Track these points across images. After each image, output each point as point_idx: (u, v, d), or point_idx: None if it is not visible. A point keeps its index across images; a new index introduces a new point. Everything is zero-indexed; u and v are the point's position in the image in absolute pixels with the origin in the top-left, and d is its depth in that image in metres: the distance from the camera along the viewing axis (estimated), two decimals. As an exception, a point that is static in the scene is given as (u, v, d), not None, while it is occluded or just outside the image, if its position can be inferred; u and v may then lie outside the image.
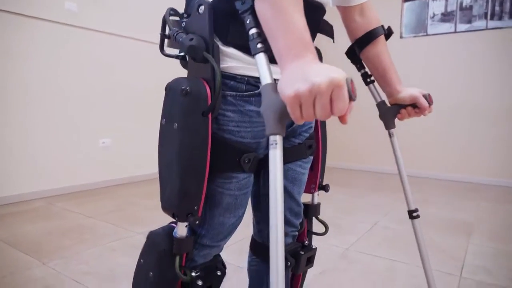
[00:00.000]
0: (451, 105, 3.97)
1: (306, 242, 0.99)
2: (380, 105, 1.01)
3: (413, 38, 4.19)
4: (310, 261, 0.98)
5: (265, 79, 0.56)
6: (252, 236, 0.97)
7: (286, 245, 0.84)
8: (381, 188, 3.54)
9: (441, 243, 2.09)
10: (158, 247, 0.76)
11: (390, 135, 1.03)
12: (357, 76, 0.86)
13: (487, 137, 3.81)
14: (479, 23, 3.84)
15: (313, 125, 0.91)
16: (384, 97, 1.01)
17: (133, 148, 3.55)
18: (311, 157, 0.92)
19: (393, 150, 1.05)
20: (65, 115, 2.98)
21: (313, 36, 0.89)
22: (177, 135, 0.69)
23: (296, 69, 0.52)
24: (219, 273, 0.81)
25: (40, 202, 2.75)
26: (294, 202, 0.90)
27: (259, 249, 0.94)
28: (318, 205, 1.01)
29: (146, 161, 3.67)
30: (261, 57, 0.58)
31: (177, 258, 0.73)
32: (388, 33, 0.95)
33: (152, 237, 0.79)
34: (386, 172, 4.35)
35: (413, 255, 1.93)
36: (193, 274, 0.75)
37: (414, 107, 0.93)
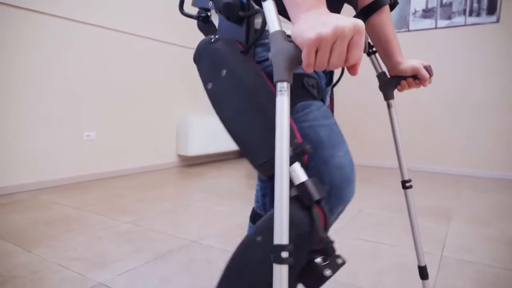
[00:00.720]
0: (433, 99, 4.08)
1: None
2: (380, 76, 1.03)
3: (396, 33, 4.27)
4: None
5: (274, 27, 0.56)
6: (254, 208, 0.91)
7: None
8: (367, 179, 3.61)
9: (422, 226, 2.16)
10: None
11: (389, 105, 1.05)
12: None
13: (470, 130, 3.93)
14: (459, 19, 3.96)
15: (329, 94, 0.90)
16: (384, 68, 1.03)
17: (118, 142, 3.52)
18: None
19: (391, 120, 1.06)
20: (49, 108, 2.94)
21: (340, 5, 0.87)
22: (230, 79, 0.64)
23: (313, 17, 0.52)
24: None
25: (25, 195, 2.70)
26: None
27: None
28: None
29: (131, 154, 3.65)
30: (269, 4, 0.58)
31: (314, 209, 0.57)
32: (394, 4, 0.96)
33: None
34: (372, 165, 4.44)
35: (398, 238, 1.99)
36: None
37: (415, 78, 0.95)
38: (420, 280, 1.13)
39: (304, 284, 0.65)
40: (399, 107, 4.19)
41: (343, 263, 0.63)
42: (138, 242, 1.84)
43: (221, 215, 2.26)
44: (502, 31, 3.73)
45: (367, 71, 1.97)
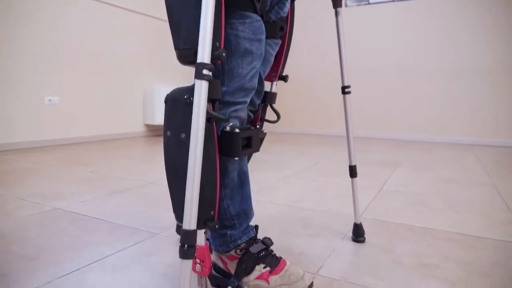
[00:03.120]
0: (394, 68, 4.28)
1: (258, 127, 1.05)
2: None
3: (357, 7, 4.44)
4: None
5: None
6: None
7: (242, 124, 0.85)
8: (326, 143, 3.78)
9: (372, 172, 2.33)
10: (181, 99, 0.72)
11: (336, 13, 1.12)
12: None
13: (424, 97, 4.16)
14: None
15: (288, 7, 0.94)
16: None
17: (83, 109, 3.51)
18: (280, 41, 0.95)
19: (337, 29, 1.14)
20: (10, 69, 2.90)
21: None
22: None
23: None
24: (257, 126, 0.81)
25: (-17, 154, 2.68)
26: (259, 80, 0.92)
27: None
28: (275, 94, 1.02)
29: (97, 122, 3.65)
30: None
31: (207, 103, 0.69)
32: None
33: (172, 95, 0.75)
34: (332, 134, 4.62)
35: (344, 180, 2.14)
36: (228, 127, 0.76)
37: None
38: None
39: (222, 152, 0.76)
40: (377, 76, 4.37)
41: (250, 128, 0.82)
42: (97, 183, 1.90)
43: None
44: None
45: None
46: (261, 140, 1.00)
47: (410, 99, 4.23)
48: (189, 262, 0.56)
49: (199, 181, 0.61)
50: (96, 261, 1.01)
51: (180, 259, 0.57)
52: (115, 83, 3.81)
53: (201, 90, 0.62)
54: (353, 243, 1.18)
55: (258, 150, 0.85)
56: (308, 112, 4.84)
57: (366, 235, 1.22)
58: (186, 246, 0.57)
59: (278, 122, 4.81)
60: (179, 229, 0.85)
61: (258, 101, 0.95)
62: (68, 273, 0.94)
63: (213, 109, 0.72)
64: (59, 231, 1.23)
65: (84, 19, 3.44)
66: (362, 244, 1.17)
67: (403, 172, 2.34)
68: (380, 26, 4.33)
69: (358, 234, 1.19)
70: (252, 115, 0.97)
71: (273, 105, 1.02)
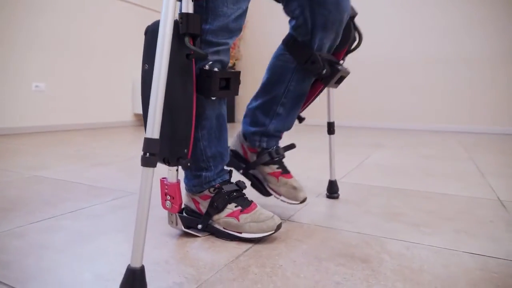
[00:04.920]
0: (383, 58, 4.33)
1: (342, 62, 1.04)
2: None
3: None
4: (340, 81, 1.03)
5: None
6: (290, 34, 0.97)
7: (224, 68, 0.83)
8: (313, 130, 3.82)
9: (355, 151, 2.37)
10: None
11: None
12: None
13: (408, 86, 4.22)
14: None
15: None
16: None
17: (72, 96, 3.50)
18: None
19: None
20: (-7, 53, 2.89)
21: None
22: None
23: None
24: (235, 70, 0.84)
25: (-32, 137, 2.67)
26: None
27: (295, 47, 0.95)
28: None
29: (85, 110, 3.64)
30: None
31: (186, 37, 0.71)
32: None
33: (152, 27, 0.74)
34: (318, 124, 4.66)
35: (328, 156, 2.17)
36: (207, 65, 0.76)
37: None
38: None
39: (200, 92, 0.78)
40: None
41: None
42: (81, 158, 1.91)
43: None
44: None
45: None
46: (342, 78, 1.03)
47: (396, 88, 4.28)
48: (150, 170, 0.58)
49: (164, 90, 0.62)
50: (70, 212, 1.03)
51: (141, 167, 0.59)
52: (104, 71, 3.81)
53: (169, 4, 0.62)
54: (327, 199, 1.21)
55: (236, 94, 0.85)
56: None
57: (341, 195, 1.25)
58: (148, 154, 0.59)
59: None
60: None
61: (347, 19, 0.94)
62: (41, 220, 0.95)
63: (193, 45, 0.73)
64: (38, 191, 1.24)
65: (73, 6, 3.44)
66: (336, 200, 1.20)
67: (386, 151, 2.38)
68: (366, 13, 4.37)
69: (332, 190, 1.22)
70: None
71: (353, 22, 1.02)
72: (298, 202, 1.00)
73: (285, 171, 1.03)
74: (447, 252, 0.79)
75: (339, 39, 0.98)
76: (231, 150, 1.09)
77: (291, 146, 1.07)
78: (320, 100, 1.17)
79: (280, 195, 1.01)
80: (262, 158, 1.02)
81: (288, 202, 1.01)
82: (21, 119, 3.12)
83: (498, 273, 0.69)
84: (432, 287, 0.63)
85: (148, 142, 0.59)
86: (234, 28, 0.81)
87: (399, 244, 0.82)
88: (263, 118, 1.02)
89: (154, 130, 0.60)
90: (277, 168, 1.02)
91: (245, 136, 1.06)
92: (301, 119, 1.13)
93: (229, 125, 4.42)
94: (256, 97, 1.05)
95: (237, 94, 0.85)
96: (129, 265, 0.56)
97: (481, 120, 3.92)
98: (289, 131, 1.11)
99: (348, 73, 1.02)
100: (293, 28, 0.95)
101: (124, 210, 1.05)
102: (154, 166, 0.59)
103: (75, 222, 0.94)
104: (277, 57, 1.01)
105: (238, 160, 1.08)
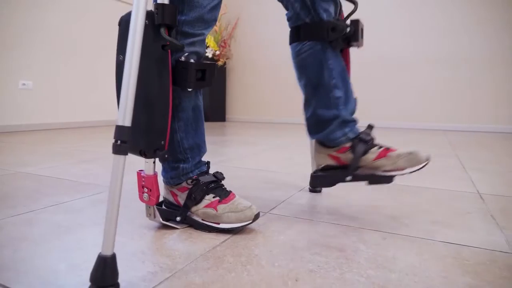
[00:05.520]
0: (376, 57, 4.36)
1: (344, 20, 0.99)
2: None
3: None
4: (362, 35, 0.98)
5: None
6: (293, 27, 0.97)
7: (200, 60, 0.84)
8: (301, 129, 3.83)
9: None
10: None
11: None
12: None
13: (400, 85, 4.25)
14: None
15: None
16: None
17: (60, 94, 3.48)
18: None
19: None
20: (-20, 50, 2.86)
21: None
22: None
23: None
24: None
25: (-47, 135, 2.64)
26: None
27: (309, 30, 0.93)
28: None
29: (74, 108, 3.62)
30: None
31: (162, 28, 0.71)
32: None
33: (125, 17, 0.73)
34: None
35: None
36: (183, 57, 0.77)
37: None
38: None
39: (176, 83, 0.78)
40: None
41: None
42: (67, 155, 1.90)
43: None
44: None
45: None
46: (362, 31, 0.96)
47: (387, 87, 4.31)
48: (122, 158, 0.58)
49: (136, 77, 0.62)
50: (51, 206, 1.03)
51: (112, 155, 0.59)
52: (93, 69, 3.79)
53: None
54: (310, 193, 1.22)
55: (211, 85, 0.85)
56: (278, 100, 4.89)
57: (323, 189, 1.25)
58: (119, 141, 0.59)
59: (251, 113, 4.86)
60: None
61: None
62: (20, 214, 0.95)
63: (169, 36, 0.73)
64: (21, 187, 1.23)
65: (61, 3, 3.41)
66: (318, 194, 1.21)
67: (373, 148, 2.40)
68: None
69: (314, 184, 1.23)
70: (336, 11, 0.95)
71: None
72: (425, 163, 0.87)
73: (388, 148, 0.92)
74: (422, 241, 0.80)
75: (339, 5, 0.96)
76: (321, 170, 0.98)
77: (371, 126, 0.97)
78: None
79: (403, 169, 0.88)
80: (359, 148, 0.91)
81: (414, 170, 0.88)
82: (8, 117, 3.08)
83: (469, 260, 0.70)
84: (403, 274, 0.65)
85: (119, 129, 0.59)
86: (210, 19, 0.82)
87: (376, 235, 0.84)
88: (330, 111, 0.95)
89: (125, 117, 0.60)
90: (379, 148, 0.92)
91: (325, 142, 0.97)
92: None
93: (220, 124, 4.42)
94: (307, 103, 0.99)
95: (211, 85, 0.85)
96: (100, 253, 0.57)
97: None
98: (275, 131, 1.10)
99: (363, 24, 0.97)
100: (295, 14, 0.94)
101: (104, 204, 1.05)
102: (126, 154, 0.59)
103: (54, 216, 0.94)
104: (299, 53, 0.97)
105: (337, 170, 0.96)
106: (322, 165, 0.97)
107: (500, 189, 1.29)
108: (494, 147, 2.54)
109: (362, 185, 1.26)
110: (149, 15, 0.70)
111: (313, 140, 1.02)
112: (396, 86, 4.26)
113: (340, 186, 1.28)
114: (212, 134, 3.16)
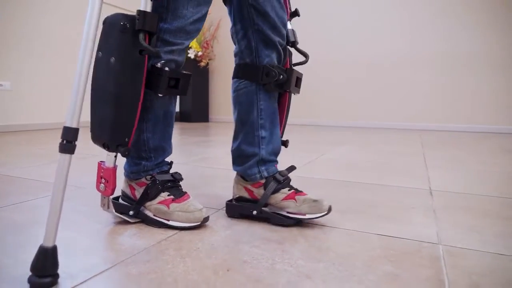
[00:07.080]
0: (361, 58, 4.44)
1: (289, 68, 1.03)
2: None
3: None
4: (298, 84, 1.02)
5: None
6: (237, 64, 1.00)
7: (178, 68, 0.88)
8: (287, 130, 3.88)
9: (323, 149, 2.44)
10: (117, 24, 0.76)
11: None
12: None
13: (381, 85, 4.34)
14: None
15: None
16: None
17: (40, 96, 3.47)
18: None
19: None
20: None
21: None
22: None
23: None
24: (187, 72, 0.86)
25: None
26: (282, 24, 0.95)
27: (247, 70, 0.97)
28: (293, 31, 1.02)
29: (55, 110, 3.61)
30: None
31: (141, 34, 0.75)
32: None
33: (110, 18, 0.78)
34: (294, 123, 4.74)
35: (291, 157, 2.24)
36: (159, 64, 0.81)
37: None
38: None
39: (149, 87, 0.83)
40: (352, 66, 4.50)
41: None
42: (43, 156, 1.92)
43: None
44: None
45: None
46: (299, 80, 1.02)
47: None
48: (67, 156, 0.63)
49: (86, 81, 0.66)
50: (13, 204, 1.05)
51: (59, 153, 0.63)
52: (72, 70, 3.78)
53: None
54: (270, 191, 1.26)
55: (185, 94, 0.89)
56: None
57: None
58: (65, 141, 0.63)
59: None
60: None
61: (283, 43, 0.97)
62: (-19, 212, 0.98)
63: (149, 43, 0.78)
64: (-14, 187, 1.26)
65: (39, 3, 3.41)
66: (278, 191, 1.26)
67: (346, 148, 2.46)
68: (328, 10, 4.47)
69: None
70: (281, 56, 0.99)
71: (298, 46, 1.02)
72: (325, 212, 0.90)
73: (298, 190, 0.96)
74: (359, 234, 0.85)
75: (284, 56, 1.00)
76: (235, 199, 1.01)
77: (292, 168, 1.01)
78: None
79: (304, 214, 0.90)
80: (270, 187, 0.95)
81: (315, 218, 0.90)
82: (-13, 119, 3.07)
83: (395, 250, 0.76)
84: (330, 263, 0.70)
85: (65, 130, 0.64)
86: (192, 30, 0.86)
87: (317, 229, 0.89)
88: (251, 148, 0.98)
89: (73, 119, 0.64)
90: (289, 190, 0.95)
91: (243, 176, 1.00)
92: (286, 144, 1.07)
93: (203, 125, 4.46)
94: (235, 137, 1.03)
95: (185, 95, 0.90)
96: (41, 244, 0.60)
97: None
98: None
99: (301, 74, 1.03)
100: (240, 51, 0.97)
101: (67, 202, 1.08)
102: (71, 153, 0.63)
103: (13, 214, 0.97)
104: (236, 89, 1.00)
105: (247, 202, 0.99)
106: (237, 196, 1.01)
107: (451, 186, 1.35)
108: (466, 146, 2.63)
109: (313, 187, 1.31)
110: (130, 20, 0.76)
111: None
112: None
113: (301, 182, 1.33)
114: (193, 135, 3.19)
